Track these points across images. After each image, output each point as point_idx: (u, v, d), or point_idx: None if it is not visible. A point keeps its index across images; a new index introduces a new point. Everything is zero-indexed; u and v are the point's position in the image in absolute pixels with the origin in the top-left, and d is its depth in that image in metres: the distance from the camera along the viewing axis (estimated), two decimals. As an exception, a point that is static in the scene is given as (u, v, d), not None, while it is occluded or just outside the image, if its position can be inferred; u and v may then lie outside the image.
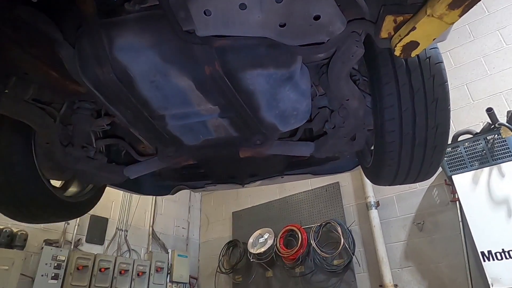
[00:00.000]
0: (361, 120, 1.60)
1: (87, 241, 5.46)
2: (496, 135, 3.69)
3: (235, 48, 1.21)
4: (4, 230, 4.32)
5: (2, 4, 1.09)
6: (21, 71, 1.39)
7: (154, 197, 6.82)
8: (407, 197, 4.96)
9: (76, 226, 5.31)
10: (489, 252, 3.47)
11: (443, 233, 4.51)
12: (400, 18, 1.00)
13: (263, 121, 1.54)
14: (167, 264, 6.29)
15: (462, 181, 3.87)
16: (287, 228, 5.85)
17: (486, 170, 3.71)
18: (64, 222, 5.07)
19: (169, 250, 6.67)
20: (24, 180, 1.73)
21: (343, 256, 5.18)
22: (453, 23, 0.92)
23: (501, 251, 3.41)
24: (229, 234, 7.09)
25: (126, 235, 6.13)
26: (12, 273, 4.06)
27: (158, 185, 2.51)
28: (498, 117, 3.69)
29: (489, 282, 3.39)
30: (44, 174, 1.84)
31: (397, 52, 1.05)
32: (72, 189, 2.19)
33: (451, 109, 1.46)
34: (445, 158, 3.92)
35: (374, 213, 5.09)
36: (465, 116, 4.71)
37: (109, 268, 5.21)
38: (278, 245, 5.76)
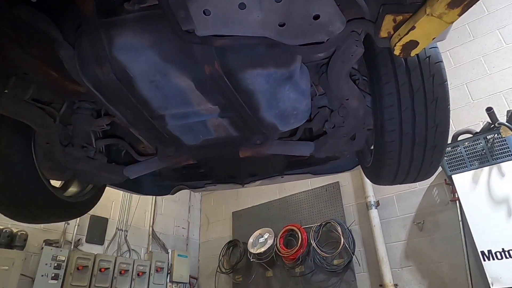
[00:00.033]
0: (361, 120, 1.60)
1: (87, 241, 5.46)
2: (496, 135, 3.69)
3: (235, 47, 1.21)
4: (4, 230, 4.32)
5: (2, 4, 1.08)
6: (21, 71, 1.39)
7: (154, 197, 6.82)
8: (407, 196, 4.96)
9: (76, 226, 5.31)
10: (489, 251, 3.47)
11: (443, 232, 4.51)
12: (399, 18, 1.01)
13: (263, 121, 1.54)
14: (167, 264, 6.29)
15: (462, 180, 3.87)
16: (287, 228, 5.85)
17: (486, 169, 3.71)
18: (64, 222, 5.07)
19: (169, 250, 6.67)
20: (24, 180, 1.73)
21: (343, 256, 5.18)
22: (452, 22, 0.92)
23: (501, 250, 3.41)
24: (229, 234, 7.09)
25: (126, 235, 6.13)
26: (12, 273, 4.06)
27: (158, 185, 2.51)
28: (498, 116, 3.70)
29: (489, 282, 3.39)
30: (44, 174, 1.84)
31: (396, 52, 1.05)
32: (72, 189, 2.19)
33: (450, 109, 1.46)
34: (445, 158, 3.92)
35: (374, 213, 5.09)
36: (465, 116, 4.71)
37: (109, 268, 5.21)
38: (278, 245, 5.76)
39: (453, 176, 3.95)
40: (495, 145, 3.70)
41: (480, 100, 4.68)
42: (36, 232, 4.76)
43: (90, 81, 1.29)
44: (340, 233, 5.19)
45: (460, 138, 4.01)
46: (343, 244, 5.09)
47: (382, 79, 1.39)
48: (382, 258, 4.78)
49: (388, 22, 1.02)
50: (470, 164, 3.84)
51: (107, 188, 2.33)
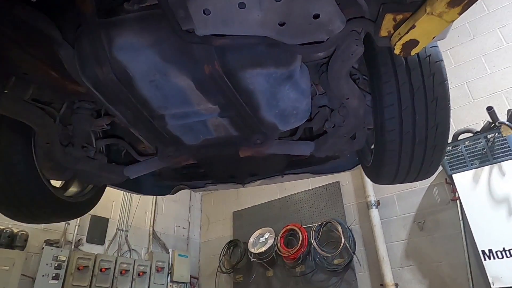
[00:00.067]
0: (361, 119, 1.60)
1: (87, 241, 5.47)
2: (496, 134, 3.69)
3: (235, 47, 1.21)
4: (4, 231, 4.32)
5: (2, 4, 1.08)
6: (21, 71, 1.38)
7: (154, 197, 6.82)
8: (408, 196, 4.96)
9: (77, 226, 5.31)
10: (490, 251, 3.47)
11: (443, 232, 4.51)
12: (399, 17, 1.00)
13: (263, 121, 1.54)
14: (167, 264, 6.29)
15: (462, 180, 3.87)
16: (287, 227, 5.85)
17: (486, 168, 3.71)
18: (64, 222, 5.07)
19: (170, 250, 6.67)
20: (24, 180, 1.73)
21: (343, 256, 5.18)
22: (452, 21, 0.92)
23: (501, 249, 3.40)
24: (230, 234, 7.09)
25: (127, 235, 6.13)
26: (13, 273, 4.06)
27: (158, 185, 2.51)
28: (498, 115, 3.69)
29: (490, 281, 3.39)
30: (44, 174, 1.84)
31: (396, 51, 1.04)
32: (72, 189, 2.19)
33: (451, 108, 1.45)
34: (446, 157, 3.92)
35: (374, 212, 5.09)
36: (465, 115, 4.70)
37: (109, 268, 5.21)
38: (278, 244, 5.76)
39: (454, 176, 3.94)
40: (495, 144, 3.69)
41: (480, 99, 4.67)
42: (36, 232, 4.76)
43: (90, 81, 1.29)
44: (341, 232, 5.19)
45: (460, 137, 4.00)
46: (343, 243, 5.09)
47: (382, 78, 1.39)
48: (382, 257, 4.78)
49: (388, 21, 1.02)
50: (471, 164, 3.83)
51: (108, 188, 2.33)
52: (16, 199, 1.76)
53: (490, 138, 3.74)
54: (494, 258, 3.43)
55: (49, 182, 1.90)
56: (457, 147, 3.94)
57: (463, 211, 3.95)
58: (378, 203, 5.16)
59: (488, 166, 3.70)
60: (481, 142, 3.79)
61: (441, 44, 1.46)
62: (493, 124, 3.71)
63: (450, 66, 4.99)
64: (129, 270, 5.49)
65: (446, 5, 0.86)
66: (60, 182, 2.17)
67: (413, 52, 1.05)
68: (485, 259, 3.48)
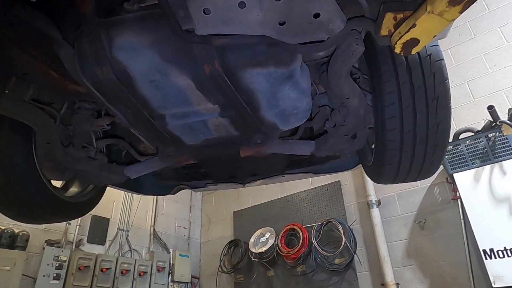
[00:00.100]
0: (362, 119, 1.60)
1: (88, 241, 5.47)
2: (497, 133, 3.68)
3: (235, 46, 1.21)
4: (5, 231, 4.32)
5: (1, 4, 1.08)
6: (21, 71, 1.39)
7: (155, 197, 6.82)
8: (408, 195, 4.96)
9: (78, 227, 5.31)
10: (491, 250, 3.46)
11: (444, 231, 4.50)
12: (400, 15, 1.00)
13: (263, 120, 1.54)
14: (168, 264, 6.30)
15: (463, 179, 3.87)
16: (288, 227, 5.85)
17: (487, 168, 3.71)
18: (65, 223, 5.07)
19: (171, 250, 6.67)
20: (24, 180, 1.73)
21: (344, 255, 5.17)
22: (453, 20, 0.91)
23: (503, 249, 3.40)
24: (231, 234, 7.09)
25: (128, 235, 6.13)
26: (14, 273, 4.07)
27: (159, 185, 2.51)
28: (499, 114, 3.69)
29: (491, 280, 3.39)
30: (44, 175, 1.84)
31: (397, 50, 1.04)
32: (73, 189, 2.19)
33: (452, 107, 1.45)
34: (446, 156, 3.91)
35: (375, 212, 5.08)
36: (466, 114, 4.70)
37: (110, 268, 5.21)
38: (279, 244, 5.76)
39: (455, 175, 3.94)
40: (496, 143, 3.69)
41: (481, 98, 4.66)
42: (37, 232, 4.76)
43: (90, 81, 1.29)
44: (342, 232, 5.19)
45: (461, 136, 4.00)
46: (344, 243, 5.09)
47: (383, 78, 1.39)
48: (383, 257, 4.78)
49: (388, 20, 1.02)
50: (472, 163, 3.83)
51: (108, 188, 2.33)
52: (16, 199, 1.76)
53: (491, 137, 3.74)
54: (495, 258, 3.42)
55: (50, 182, 1.91)
56: (458, 146, 3.94)
57: (464, 210, 3.94)
58: (379, 203, 5.15)
59: (489, 165, 3.70)
60: (482, 141, 3.79)
61: (442, 43, 1.45)
62: (494, 123, 3.71)
63: (451, 65, 4.98)
64: (130, 270, 5.50)
65: (447, 4, 0.86)
66: (60, 182, 2.17)
67: (413, 51, 1.04)
68: (486, 259, 3.48)
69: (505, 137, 3.63)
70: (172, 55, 1.22)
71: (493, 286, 3.37)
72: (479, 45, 4.91)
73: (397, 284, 4.64)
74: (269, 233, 6.06)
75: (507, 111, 3.85)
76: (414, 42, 1.01)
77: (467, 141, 3.89)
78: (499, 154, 3.65)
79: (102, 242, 5.69)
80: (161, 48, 1.20)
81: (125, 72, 1.26)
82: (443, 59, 1.39)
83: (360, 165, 2.16)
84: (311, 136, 1.92)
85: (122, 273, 5.35)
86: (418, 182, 1.96)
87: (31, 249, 4.59)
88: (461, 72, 4.93)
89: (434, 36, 0.99)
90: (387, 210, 5.10)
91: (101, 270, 5.07)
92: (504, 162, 3.61)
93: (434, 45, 1.40)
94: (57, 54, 1.26)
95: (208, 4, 1.00)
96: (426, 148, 1.52)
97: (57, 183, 2.07)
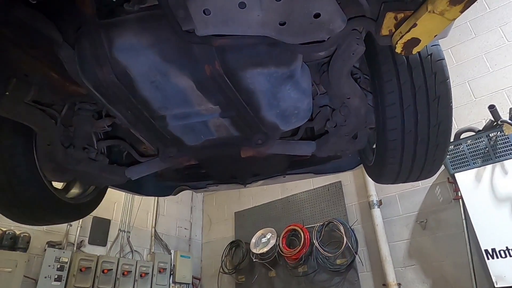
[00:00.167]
0: (363, 119, 1.59)
1: (89, 242, 5.47)
2: (498, 132, 3.68)
3: (235, 47, 1.20)
4: (7, 232, 4.32)
5: (2, 6, 1.08)
6: (21, 72, 1.39)
7: (156, 198, 6.82)
8: (410, 195, 4.95)
9: (79, 228, 5.31)
10: (493, 250, 3.46)
11: (446, 231, 4.50)
12: (401, 15, 1.00)
13: (264, 121, 1.54)
14: (170, 265, 6.29)
15: (465, 179, 3.86)
16: (289, 227, 5.84)
17: (489, 167, 3.70)
18: (66, 224, 5.07)
19: (172, 251, 6.67)
20: (25, 182, 1.73)
21: (346, 256, 5.16)
22: (454, 19, 0.91)
23: (505, 249, 3.39)
24: (232, 234, 7.08)
25: (129, 236, 6.13)
26: (16, 275, 4.07)
27: (160, 186, 2.51)
28: (500, 114, 3.68)
29: (493, 280, 3.38)
30: (45, 176, 1.84)
31: (398, 49, 1.04)
32: (74, 191, 2.19)
33: (453, 107, 1.45)
34: (448, 156, 3.91)
35: (376, 212, 5.07)
36: (467, 114, 4.69)
37: (112, 269, 5.21)
38: (280, 245, 5.75)
39: (456, 175, 3.93)
40: (498, 143, 3.68)
41: (482, 98, 4.66)
42: (39, 234, 4.77)
43: (91, 82, 1.29)
44: (343, 232, 5.18)
45: (462, 136, 3.99)
46: (345, 243, 5.08)
47: (383, 77, 1.39)
48: (385, 257, 4.77)
49: (389, 20, 1.01)
50: (473, 162, 3.82)
51: (109, 190, 2.33)
52: (17, 201, 1.76)
53: (492, 137, 3.73)
54: (497, 257, 3.41)
55: (51, 184, 1.91)
56: (459, 146, 3.93)
57: (465, 210, 3.93)
58: (380, 203, 5.15)
59: (491, 164, 3.69)
60: (483, 140, 3.78)
61: (442, 43, 1.45)
62: (495, 123, 3.70)
63: (452, 64, 4.97)
64: (131, 271, 5.50)
65: (447, 3, 0.85)
66: (61, 183, 2.17)
67: (414, 51, 1.04)
68: (488, 258, 3.47)
69: (506, 136, 3.62)
70: (173, 55, 1.22)
71: (495, 286, 3.36)
72: (480, 45, 4.91)
73: (399, 284, 4.63)
74: (270, 234, 6.05)
75: (508, 111, 3.84)
76: (415, 41, 1.00)
77: (468, 141, 3.88)
78: (501, 154, 3.65)
79: (104, 244, 5.69)
80: (162, 48, 1.20)
81: (126, 73, 1.26)
82: (444, 59, 1.39)
83: (361, 165, 2.16)
84: (312, 137, 1.92)
85: (123, 274, 5.35)
86: (420, 182, 1.96)
87: (32, 250, 4.59)
88: (462, 72, 4.92)
89: (435, 36, 0.99)
90: (389, 210, 5.09)
91: (103, 272, 5.07)
92: (505, 162, 3.60)
93: (435, 45, 1.40)
94: (57, 55, 1.26)
95: (208, 5, 1.00)
96: (428, 148, 1.52)
97: (58, 185, 2.07)
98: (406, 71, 1.36)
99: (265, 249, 5.84)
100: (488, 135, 3.75)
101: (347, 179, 5.75)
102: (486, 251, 3.49)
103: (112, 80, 1.26)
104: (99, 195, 2.32)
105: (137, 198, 6.39)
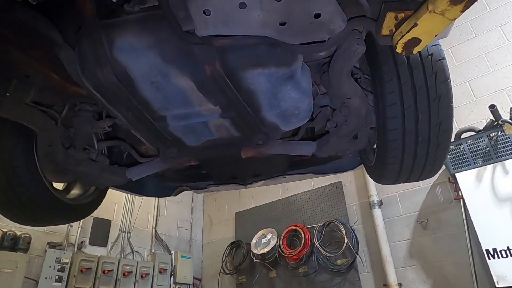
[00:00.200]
0: (363, 119, 1.59)
1: (90, 243, 5.47)
2: (499, 132, 3.67)
3: (236, 47, 1.20)
4: (7, 233, 4.33)
5: (2, 7, 1.08)
6: (22, 73, 1.39)
7: (156, 198, 6.82)
8: (411, 195, 4.94)
9: (79, 229, 5.32)
10: (494, 250, 3.45)
11: (447, 231, 4.49)
12: (401, 15, 1.00)
13: (264, 121, 1.53)
14: (170, 265, 6.30)
15: (465, 178, 3.86)
16: (290, 228, 5.84)
17: (489, 167, 3.70)
18: (67, 225, 5.08)
19: (172, 252, 6.67)
20: (26, 182, 1.73)
21: (346, 256, 5.16)
22: (455, 19, 0.91)
23: (506, 248, 3.39)
24: (232, 235, 7.08)
25: (129, 237, 6.13)
26: (16, 276, 4.07)
27: (160, 186, 2.51)
28: (501, 113, 3.67)
29: (494, 280, 3.37)
30: (46, 177, 1.84)
31: (398, 49, 1.04)
32: (75, 192, 2.19)
33: (453, 106, 1.44)
34: (448, 156, 3.90)
35: (377, 212, 5.07)
36: (467, 114, 4.68)
37: (112, 270, 5.22)
38: (281, 245, 5.75)
39: (457, 175, 3.93)
40: (498, 142, 3.68)
41: (482, 97, 4.65)
42: (39, 234, 4.77)
43: (91, 82, 1.29)
44: (344, 232, 5.17)
45: (463, 136, 3.99)
46: (346, 243, 5.08)
47: (384, 77, 1.38)
48: (386, 257, 4.76)
49: (389, 20, 1.01)
50: (474, 162, 3.82)
51: (110, 190, 2.33)
52: (18, 201, 1.76)
53: (493, 137, 3.73)
54: (498, 257, 3.41)
55: (51, 185, 1.91)
56: (460, 146, 3.93)
57: (466, 210, 3.93)
58: (381, 203, 5.14)
59: (491, 164, 3.69)
60: (484, 140, 3.78)
61: (443, 42, 1.45)
62: (496, 123, 3.70)
63: (452, 64, 4.97)
64: (132, 272, 5.50)
65: (448, 3, 0.85)
66: (62, 184, 2.17)
67: (415, 51, 1.04)
68: (489, 258, 3.46)
69: (507, 136, 3.61)
70: (173, 56, 1.22)
71: (497, 286, 3.35)
72: (480, 44, 4.91)
73: (400, 284, 4.63)
74: (271, 234, 6.05)
75: (508, 110, 3.84)
76: (416, 41, 1.00)
77: (469, 141, 3.88)
78: (501, 153, 3.64)
79: (104, 244, 5.69)
80: (162, 49, 1.20)
81: (126, 74, 1.26)
82: (444, 58, 1.39)
83: (362, 165, 2.15)
84: (313, 137, 1.92)
85: (124, 275, 5.36)
86: (420, 182, 1.96)
87: (33, 251, 4.59)
88: (462, 72, 4.92)
89: (436, 36, 0.99)
90: (389, 210, 5.08)
91: (103, 272, 5.07)
92: (506, 162, 3.60)
93: (436, 45, 1.40)
94: (57, 56, 1.26)
95: (209, 5, 1.00)
96: (428, 148, 1.51)
97: (58, 185, 2.07)
98: (407, 71, 1.36)
99: (266, 250, 5.84)
100: (489, 135, 3.75)
101: (348, 179, 5.74)
102: (487, 251, 3.49)
103: (113, 80, 1.26)
104: (100, 196, 2.32)
105: (138, 198, 6.39)
